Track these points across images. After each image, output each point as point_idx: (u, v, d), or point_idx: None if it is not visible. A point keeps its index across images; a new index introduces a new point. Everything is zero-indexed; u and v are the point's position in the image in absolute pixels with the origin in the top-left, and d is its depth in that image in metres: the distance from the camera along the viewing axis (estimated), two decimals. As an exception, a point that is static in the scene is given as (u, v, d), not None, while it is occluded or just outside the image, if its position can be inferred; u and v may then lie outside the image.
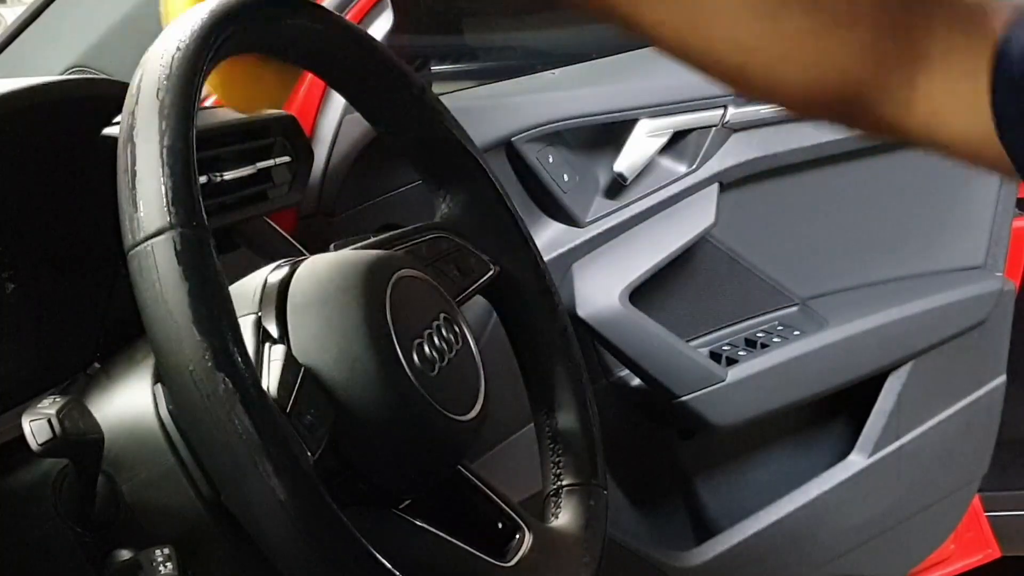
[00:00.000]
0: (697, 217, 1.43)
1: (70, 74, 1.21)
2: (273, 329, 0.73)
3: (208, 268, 0.61)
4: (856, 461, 1.57)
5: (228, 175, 1.00)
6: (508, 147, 1.34)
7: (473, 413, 0.80)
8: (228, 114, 1.06)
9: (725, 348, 1.49)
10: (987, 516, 1.80)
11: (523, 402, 0.95)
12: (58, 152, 0.87)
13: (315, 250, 0.87)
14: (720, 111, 1.41)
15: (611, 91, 1.41)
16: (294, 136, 1.12)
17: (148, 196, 0.61)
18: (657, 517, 1.55)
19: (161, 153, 0.62)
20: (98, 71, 1.20)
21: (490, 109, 1.36)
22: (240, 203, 1.04)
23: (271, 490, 0.60)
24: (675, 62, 0.66)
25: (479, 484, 0.87)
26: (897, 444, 1.59)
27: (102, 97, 0.88)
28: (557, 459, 0.92)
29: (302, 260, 0.79)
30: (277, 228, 1.13)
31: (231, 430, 0.60)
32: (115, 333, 0.90)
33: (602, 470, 0.93)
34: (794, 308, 1.55)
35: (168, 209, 0.61)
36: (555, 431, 0.93)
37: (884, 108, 0.62)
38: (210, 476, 0.68)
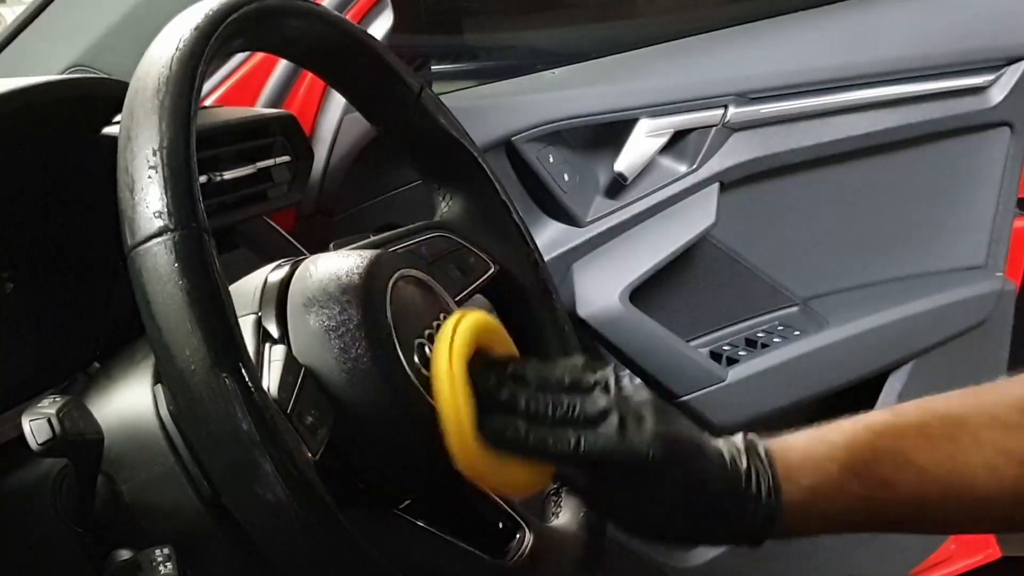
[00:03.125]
0: (697, 217, 1.42)
1: (70, 73, 1.21)
2: (273, 329, 0.73)
3: (208, 268, 0.61)
4: (856, 461, 1.57)
5: (228, 175, 1.00)
6: (508, 147, 1.34)
7: (473, 413, 0.79)
8: (228, 113, 1.07)
9: (725, 348, 1.49)
10: (987, 516, 1.80)
11: (523, 402, 0.95)
12: (58, 152, 0.87)
13: (315, 250, 0.87)
14: (720, 111, 1.41)
15: (611, 91, 1.41)
16: (294, 135, 1.12)
17: (148, 196, 0.61)
18: (657, 517, 1.55)
19: (161, 153, 0.62)
20: (98, 71, 1.20)
21: (490, 109, 1.36)
22: (240, 203, 1.04)
23: (271, 490, 0.60)
24: None
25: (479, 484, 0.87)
26: (897, 444, 1.59)
27: (102, 97, 0.88)
28: (557, 459, 0.92)
29: (302, 260, 0.79)
30: (277, 228, 1.13)
31: (231, 431, 0.60)
32: (115, 333, 0.90)
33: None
34: (794, 308, 1.55)
35: (168, 209, 0.61)
36: (555, 431, 0.93)
37: None
38: (210, 476, 0.68)
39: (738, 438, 0.73)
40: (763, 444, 0.72)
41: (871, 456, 0.71)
